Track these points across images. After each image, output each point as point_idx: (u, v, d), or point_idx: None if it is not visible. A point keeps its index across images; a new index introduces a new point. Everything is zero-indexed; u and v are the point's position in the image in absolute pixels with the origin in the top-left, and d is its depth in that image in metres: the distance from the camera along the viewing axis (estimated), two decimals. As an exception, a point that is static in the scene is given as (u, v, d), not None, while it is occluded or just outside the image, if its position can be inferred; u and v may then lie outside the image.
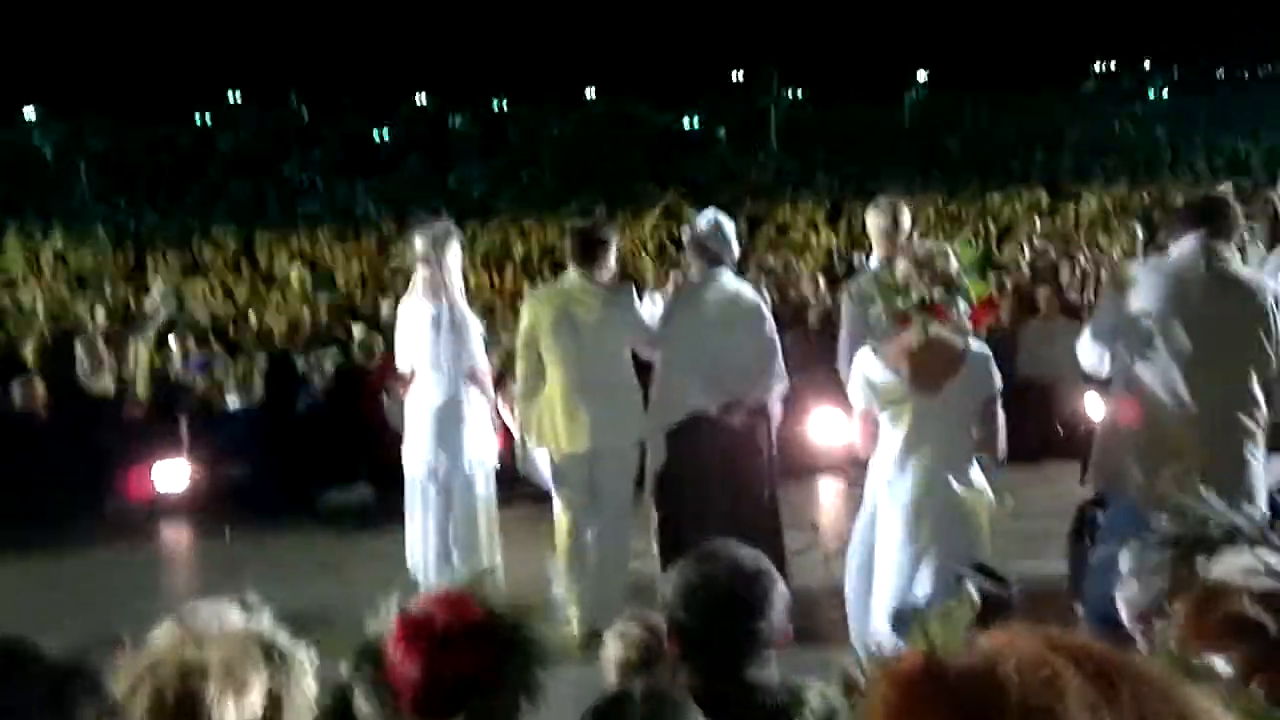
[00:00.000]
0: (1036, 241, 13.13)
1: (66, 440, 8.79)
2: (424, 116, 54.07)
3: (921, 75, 60.30)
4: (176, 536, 8.57)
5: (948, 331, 4.59)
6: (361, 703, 2.15)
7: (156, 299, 9.78)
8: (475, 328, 6.58)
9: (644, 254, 13.83)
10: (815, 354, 8.71)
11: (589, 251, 6.23)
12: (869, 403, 4.65)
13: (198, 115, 50.24)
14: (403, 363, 6.70)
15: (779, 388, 6.39)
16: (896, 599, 4.51)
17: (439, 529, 6.49)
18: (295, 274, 13.68)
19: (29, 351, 9.76)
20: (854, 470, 7.49)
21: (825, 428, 8.67)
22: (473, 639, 2.13)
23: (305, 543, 8.20)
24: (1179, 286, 4.45)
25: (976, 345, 4.67)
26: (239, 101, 52.91)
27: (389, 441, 7.37)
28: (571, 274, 6.29)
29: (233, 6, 56.06)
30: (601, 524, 6.23)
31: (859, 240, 12.49)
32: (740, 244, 7.07)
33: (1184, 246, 4.55)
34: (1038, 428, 8.51)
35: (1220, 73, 70.48)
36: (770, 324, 6.34)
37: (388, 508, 7.96)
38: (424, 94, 56.95)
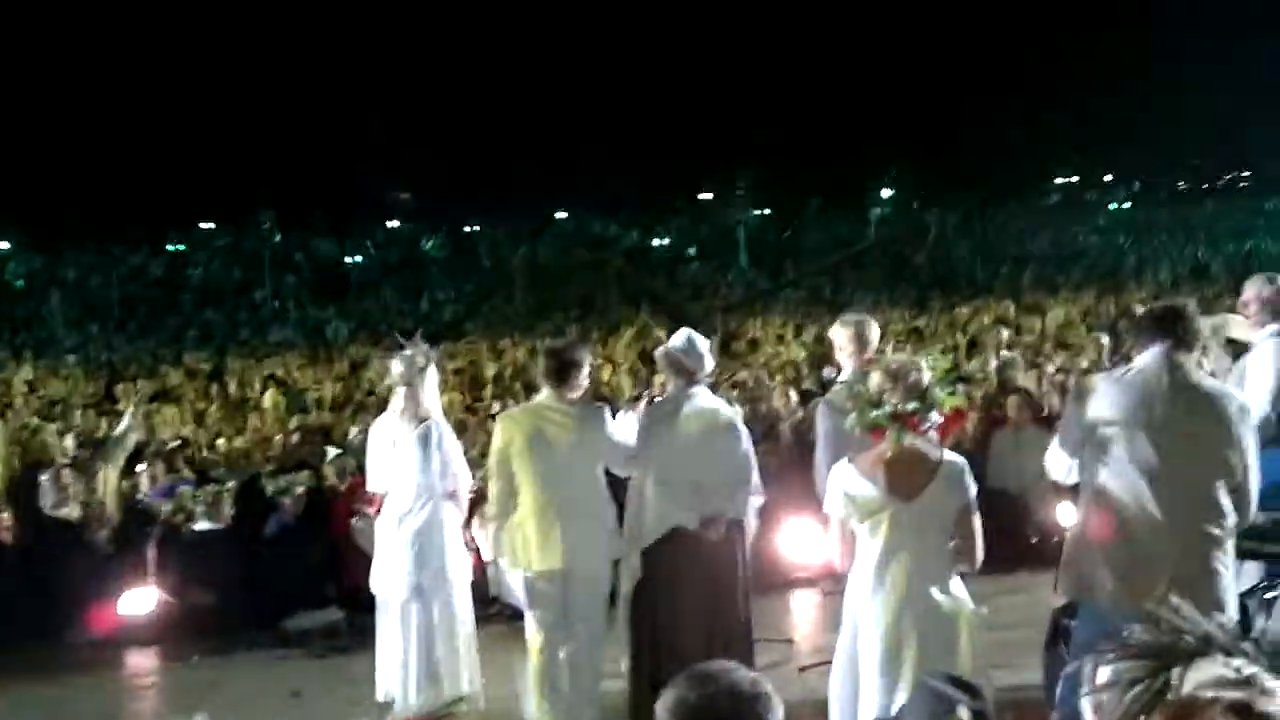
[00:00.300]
0: (1004, 352, 13.25)
1: (32, 570, 8.69)
2: (395, 240, 54.65)
3: (886, 191, 61.39)
4: (143, 664, 8.42)
5: (922, 441, 4.63)
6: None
7: (125, 425, 9.74)
8: (456, 449, 6.59)
9: (617, 372, 13.88)
10: (787, 467, 8.76)
11: (562, 371, 6.27)
12: (846, 514, 4.66)
13: (170, 243, 50.59)
14: (374, 483, 6.69)
15: (756, 502, 6.41)
16: (881, 716, 4.47)
17: (414, 652, 6.41)
18: (269, 397, 13.67)
19: (-4, 481, 9.68)
20: (829, 583, 7.49)
21: (799, 540, 8.66)
22: None
23: (274, 668, 8.06)
24: (1143, 398, 4.50)
25: (951, 454, 4.71)
26: (211, 228, 53.32)
27: (359, 564, 7.32)
28: (545, 394, 6.33)
29: (202, 135, 56.71)
30: (574, 644, 6.19)
31: (828, 354, 12.60)
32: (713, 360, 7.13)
33: (1147, 358, 4.60)
34: (1010, 537, 8.50)
35: (1180, 184, 71.99)
36: (746, 439, 6.40)
37: (358, 631, 7.89)
38: (395, 218, 57.60)
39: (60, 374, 17.48)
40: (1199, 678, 1.84)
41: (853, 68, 69.45)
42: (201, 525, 9.04)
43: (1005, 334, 15.46)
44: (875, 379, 4.69)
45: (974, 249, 46.67)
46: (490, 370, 15.85)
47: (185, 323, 35.02)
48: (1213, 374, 6.41)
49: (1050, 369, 11.88)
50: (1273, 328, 6.64)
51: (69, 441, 10.57)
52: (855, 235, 52.70)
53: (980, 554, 4.69)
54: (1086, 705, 1.90)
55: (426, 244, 52.70)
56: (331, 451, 10.20)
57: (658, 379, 6.74)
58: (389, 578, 6.45)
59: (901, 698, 4.45)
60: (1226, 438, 4.45)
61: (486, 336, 22.44)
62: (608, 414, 6.42)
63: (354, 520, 8.54)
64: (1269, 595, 5.70)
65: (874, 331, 6.52)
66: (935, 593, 4.58)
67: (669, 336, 6.81)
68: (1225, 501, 4.45)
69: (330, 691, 7.23)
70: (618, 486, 6.45)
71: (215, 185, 52.34)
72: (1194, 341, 4.68)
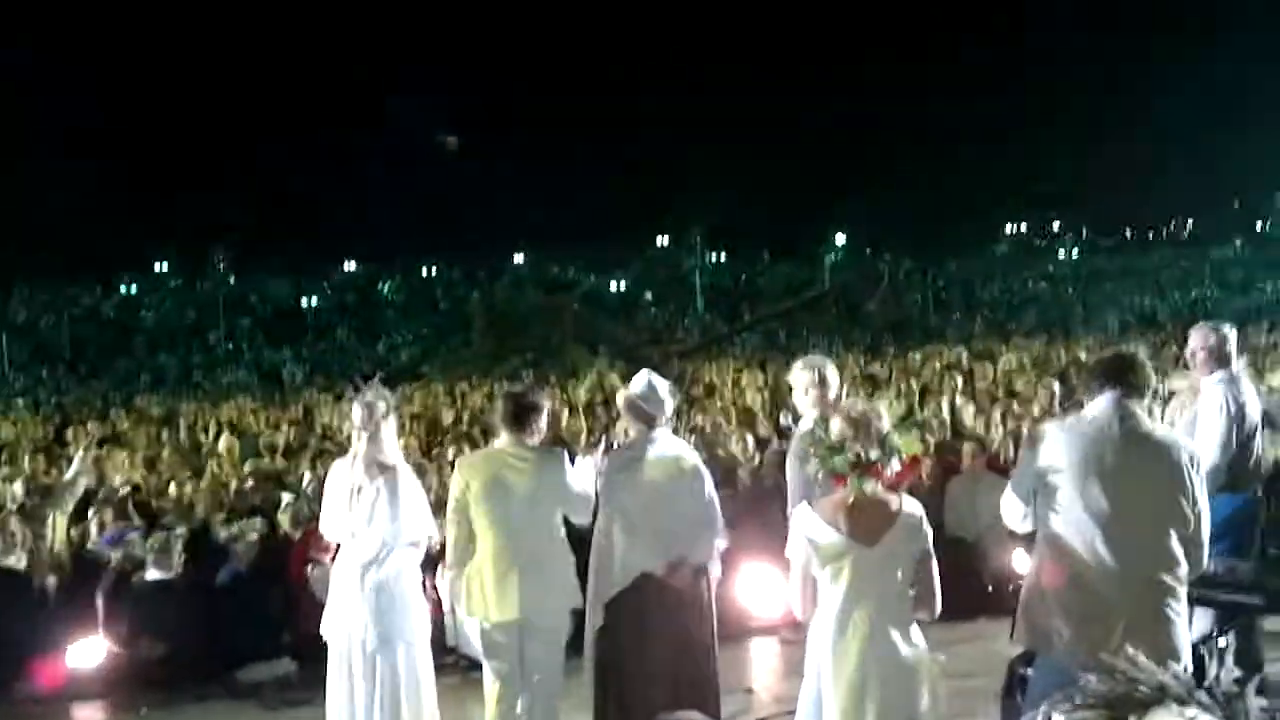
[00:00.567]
0: (958, 399, 13.36)
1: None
2: (352, 282, 54.47)
3: (840, 238, 61.90)
4: (91, 717, 8.26)
5: (882, 488, 4.66)
6: None
7: (74, 470, 9.60)
8: (421, 497, 6.52)
9: (575, 416, 13.87)
10: (745, 513, 8.76)
11: (520, 416, 6.24)
12: (808, 560, 4.68)
13: (122, 284, 50.14)
14: (328, 530, 6.60)
15: (720, 546, 6.41)
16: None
17: (374, 705, 6.31)
18: (224, 442, 13.54)
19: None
20: (789, 631, 7.48)
21: (758, 587, 8.65)
22: None
23: (225, 718, 7.94)
24: (1095, 446, 4.55)
25: (910, 501, 4.74)
26: (164, 269, 52.93)
27: (314, 613, 7.23)
28: (503, 439, 6.30)
29: (153, 176, 56.39)
30: (531, 695, 6.12)
31: (784, 399, 12.65)
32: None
33: (1099, 406, 4.66)
34: (966, 585, 8.53)
35: (1127, 232, 73.02)
36: (709, 483, 6.40)
37: (312, 681, 7.78)
38: (352, 260, 57.40)
39: (9, 417, 17.24)
40: None
41: (807, 117, 70.11)
42: (152, 574, 8.88)
43: (958, 380, 15.57)
44: (837, 426, 4.73)
45: (926, 296, 47.12)
46: (448, 415, 15.79)
47: (137, 365, 34.69)
48: (1172, 423, 6.52)
49: (1001, 416, 11.98)
50: (1220, 375, 6.75)
51: (17, 487, 10.40)
52: (809, 281, 53.08)
53: (939, 602, 4.72)
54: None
55: (383, 286, 52.58)
56: (286, 497, 10.09)
57: (619, 424, 6.74)
58: (348, 629, 6.35)
59: None
60: (1178, 486, 4.51)
61: (444, 379, 22.36)
62: (567, 460, 6.39)
63: (310, 568, 8.44)
64: (1222, 643, 5.77)
65: (834, 375, 6.57)
66: (897, 639, 4.60)
67: (626, 381, 6.80)
68: (1178, 549, 4.50)
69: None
70: (577, 534, 6.43)
71: (168, 226, 52.02)
72: (1144, 389, 4.74)
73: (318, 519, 7.05)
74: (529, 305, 43.82)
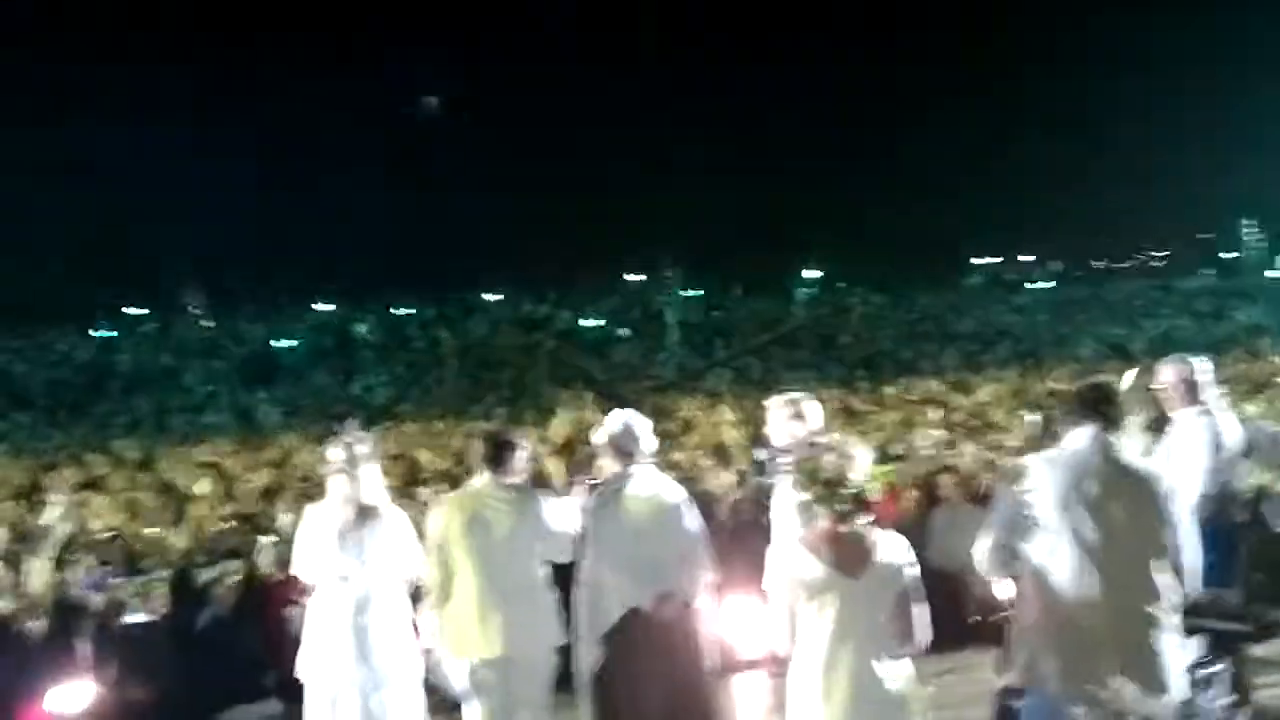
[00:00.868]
0: (934, 432, 13.42)
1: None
2: (326, 323, 54.31)
3: (812, 273, 62.18)
4: (75, 762, 8.20)
5: (866, 521, 4.67)
6: None
7: (54, 516, 9.56)
8: (408, 537, 6.51)
9: (553, 454, 13.86)
10: (725, 547, 8.75)
11: (498, 455, 6.28)
12: (791, 594, 4.67)
13: (97, 329, 49.90)
14: (302, 570, 6.57)
15: (708, 579, 6.42)
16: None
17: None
18: (202, 486, 13.49)
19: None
20: (773, 665, 7.48)
21: (740, 621, 8.63)
22: None
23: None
24: (1076, 478, 4.56)
25: (892, 533, 4.76)
26: (139, 314, 52.69)
27: (295, 655, 7.19)
28: (482, 478, 6.32)
29: (127, 221, 56.29)
30: (518, 732, 6.12)
31: (760, 434, 12.67)
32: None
33: (1078, 438, 4.68)
34: (950, 616, 8.54)
35: (1100, 263, 73.57)
36: (695, 515, 6.42)
37: (295, 723, 7.76)
38: (326, 301, 57.28)
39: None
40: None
41: (779, 153, 70.56)
42: (134, 617, 8.87)
43: (934, 414, 15.65)
44: (826, 459, 4.73)
45: (899, 329, 47.28)
46: (425, 454, 15.76)
47: (114, 409, 34.47)
48: (1147, 453, 6.56)
49: (978, 448, 12.04)
50: (1196, 407, 6.81)
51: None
52: (782, 315, 53.21)
53: (923, 634, 4.74)
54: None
55: (357, 327, 52.45)
56: (265, 540, 10.06)
57: (599, 463, 6.79)
58: (337, 670, 6.32)
59: None
60: (1160, 516, 4.54)
61: (419, 419, 22.30)
62: (544, 499, 6.41)
63: (290, 610, 8.40)
64: (1209, 670, 5.80)
65: (812, 410, 6.63)
66: (884, 671, 4.60)
67: (603, 417, 6.83)
68: (1162, 580, 4.52)
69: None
70: (560, 572, 6.44)
71: (142, 271, 51.88)
72: (1121, 419, 4.77)
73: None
74: (503, 343, 43.82)
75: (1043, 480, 4.60)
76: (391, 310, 56.05)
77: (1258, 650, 7.09)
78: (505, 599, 6.12)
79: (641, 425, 6.42)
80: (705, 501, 10.23)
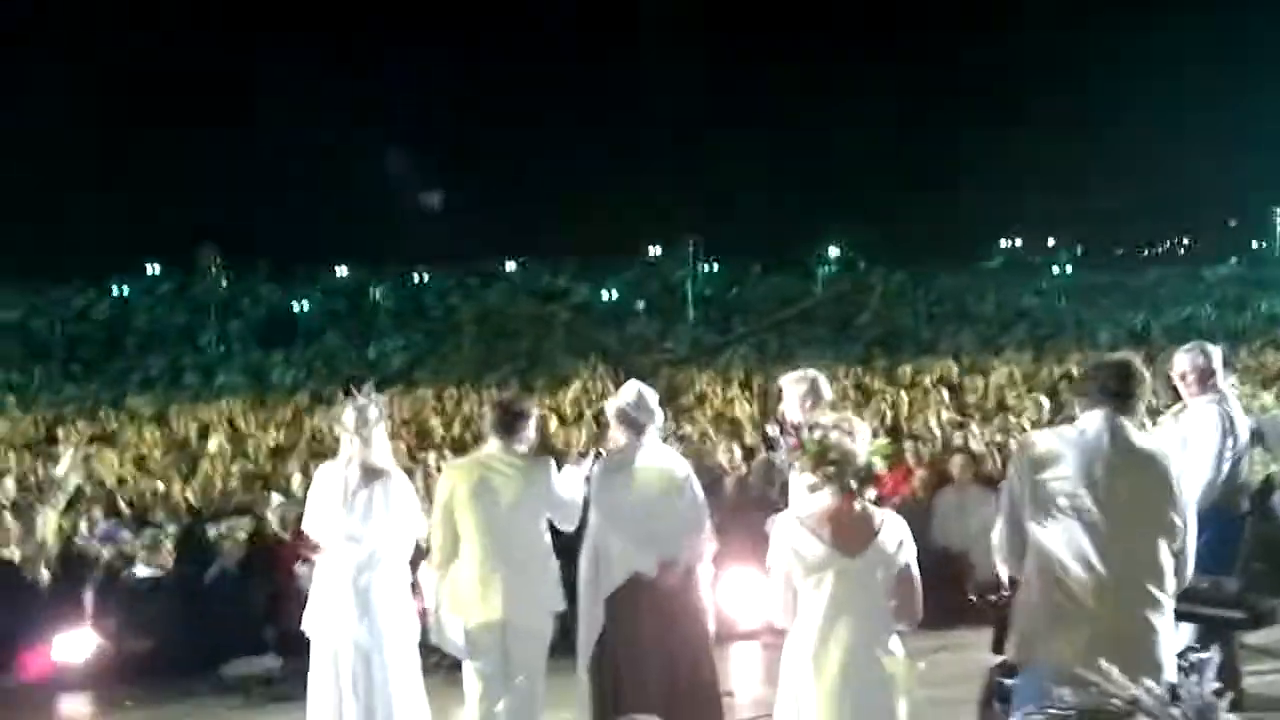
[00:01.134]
0: (945, 413, 13.40)
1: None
2: (344, 288, 54.46)
3: (833, 251, 62.01)
4: (77, 709, 8.32)
5: (867, 502, 4.70)
6: None
7: (65, 468, 9.66)
8: (412, 501, 6.56)
9: (565, 425, 13.90)
10: (730, 521, 8.79)
11: (509, 423, 6.33)
12: (790, 570, 4.71)
13: (114, 286, 50.12)
14: (312, 529, 6.63)
15: (710, 549, 6.53)
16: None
17: (355, 702, 6.34)
18: (214, 443, 13.55)
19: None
20: (769, 635, 7.52)
21: (741, 593, 8.69)
22: None
23: (208, 713, 8.03)
24: (1085, 457, 4.53)
25: (893, 514, 4.78)
26: (156, 273, 52.89)
27: (299, 611, 7.25)
28: (491, 445, 6.36)
29: (149, 177, 56.40)
30: (513, 696, 6.20)
31: (772, 410, 12.69)
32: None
33: (1091, 417, 4.64)
34: (950, 595, 8.55)
35: (1120, 249, 73.22)
36: (698, 487, 6.54)
37: (297, 677, 7.82)
38: (344, 265, 57.39)
39: (2, 415, 17.25)
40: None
41: (802, 129, 70.31)
42: (141, 570, 8.96)
43: (946, 394, 15.62)
44: (835, 436, 4.76)
45: (918, 309, 47.17)
46: (437, 421, 15.81)
47: (129, 366, 34.66)
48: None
49: (990, 429, 12.03)
50: (1210, 395, 6.79)
51: (9, 484, 10.46)
52: (802, 293, 53.17)
53: (919, 613, 4.76)
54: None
55: (374, 292, 52.56)
56: (275, 498, 10.14)
57: (609, 433, 6.84)
58: (338, 628, 6.38)
59: None
60: (1168, 499, 4.51)
61: (434, 386, 22.35)
62: (554, 467, 6.46)
63: (299, 566, 8.47)
64: (1200, 656, 5.81)
65: (826, 387, 6.69)
66: (876, 650, 4.64)
67: (616, 390, 6.89)
68: (1166, 562, 4.50)
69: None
70: (563, 541, 6.49)
71: (161, 228, 51.99)
72: (1137, 401, 4.68)
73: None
74: (520, 313, 43.90)
75: (1052, 456, 4.58)
76: (409, 277, 56.09)
77: (1251, 639, 7.12)
78: (507, 564, 6.19)
79: (652, 398, 6.49)
80: (714, 475, 10.29)
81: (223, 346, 39.53)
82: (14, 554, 9.01)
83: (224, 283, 45.94)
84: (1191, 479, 5.46)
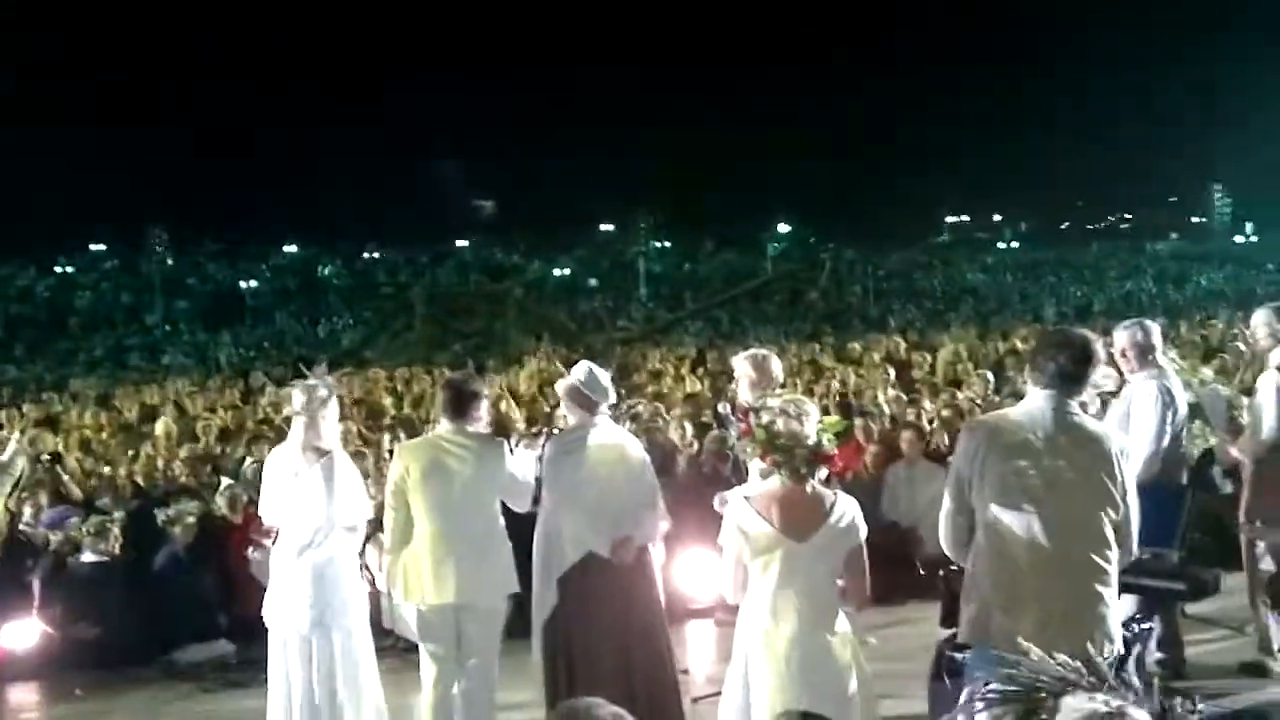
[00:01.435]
0: (894, 390, 13.50)
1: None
2: (292, 266, 53.97)
3: (783, 227, 62.21)
4: (25, 699, 8.22)
5: (816, 483, 4.73)
6: None
7: (11, 451, 9.53)
8: (356, 481, 6.54)
9: (520, 405, 13.88)
10: (683, 499, 8.83)
11: (460, 403, 6.31)
12: (739, 550, 4.74)
13: (57, 265, 49.41)
14: (267, 514, 6.61)
15: (663, 527, 6.57)
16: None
17: (308, 686, 6.33)
18: (162, 425, 13.42)
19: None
20: (723, 613, 7.58)
21: (694, 571, 8.74)
22: None
23: (161, 701, 7.95)
24: (1032, 440, 4.58)
25: (844, 496, 4.81)
26: (101, 250, 52.21)
27: (253, 596, 7.22)
28: (443, 426, 6.35)
29: (89, 155, 55.58)
30: (468, 678, 6.20)
31: (725, 388, 12.75)
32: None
33: (1036, 398, 4.69)
34: (900, 569, 8.67)
35: (1065, 224, 73.92)
36: (649, 466, 6.57)
37: (249, 663, 7.81)
38: (292, 243, 56.90)
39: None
40: (1073, 709, 1.96)
41: (752, 106, 70.38)
42: (88, 556, 8.85)
43: (895, 372, 15.73)
44: (782, 420, 4.77)
45: (866, 286, 47.42)
46: (389, 400, 15.74)
47: (74, 346, 34.24)
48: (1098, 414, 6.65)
49: (938, 405, 12.14)
50: (1150, 370, 6.90)
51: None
52: (753, 269, 53.30)
53: (868, 594, 4.82)
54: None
55: (323, 270, 52.17)
56: (224, 481, 10.06)
57: (559, 411, 6.84)
58: (287, 612, 6.36)
59: None
60: (1111, 477, 4.58)
61: (385, 365, 22.25)
62: (506, 448, 6.46)
63: (250, 551, 8.42)
64: (1143, 626, 5.92)
65: (776, 366, 6.72)
66: (825, 629, 4.67)
67: (568, 368, 6.89)
68: (1110, 537, 4.57)
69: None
70: (517, 521, 6.50)
71: (105, 206, 51.33)
72: (1082, 379, 4.70)
73: (256, 502, 7.05)
74: (472, 291, 43.68)
75: (996, 436, 4.63)
76: (360, 255, 55.69)
77: (1192, 609, 7.26)
78: (461, 546, 6.16)
79: (604, 378, 6.50)
80: (666, 453, 10.33)
81: (169, 326, 39.09)
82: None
83: (170, 260, 45.40)
84: (1133, 453, 5.54)
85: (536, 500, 6.48)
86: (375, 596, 6.82)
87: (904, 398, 12.70)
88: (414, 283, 46.86)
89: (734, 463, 9.14)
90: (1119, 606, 4.75)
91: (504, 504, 6.37)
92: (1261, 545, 7.09)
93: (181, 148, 57.41)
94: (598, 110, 65.71)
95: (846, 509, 4.74)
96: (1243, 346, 12.53)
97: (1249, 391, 7.55)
